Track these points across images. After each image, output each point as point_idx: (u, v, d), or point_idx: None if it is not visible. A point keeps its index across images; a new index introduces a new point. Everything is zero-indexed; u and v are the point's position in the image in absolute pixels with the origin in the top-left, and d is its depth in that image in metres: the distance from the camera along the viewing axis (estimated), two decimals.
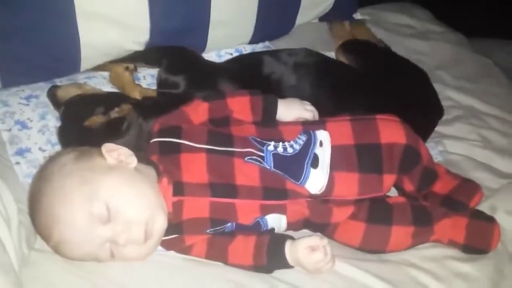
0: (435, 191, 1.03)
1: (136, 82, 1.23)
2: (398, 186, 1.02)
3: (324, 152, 0.96)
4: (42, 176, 0.88)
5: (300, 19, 1.51)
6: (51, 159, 0.91)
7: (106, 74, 1.24)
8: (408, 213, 0.96)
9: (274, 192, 0.92)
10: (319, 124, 1.01)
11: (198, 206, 0.90)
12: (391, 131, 0.98)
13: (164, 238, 0.90)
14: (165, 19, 1.23)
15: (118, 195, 0.85)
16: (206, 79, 1.18)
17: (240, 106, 1.01)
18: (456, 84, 1.47)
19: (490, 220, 0.99)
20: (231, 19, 1.34)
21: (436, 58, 1.55)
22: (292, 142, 0.97)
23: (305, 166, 0.94)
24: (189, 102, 1.01)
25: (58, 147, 1.06)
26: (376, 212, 0.95)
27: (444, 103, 1.34)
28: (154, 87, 1.23)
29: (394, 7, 1.78)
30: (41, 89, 1.17)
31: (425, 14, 1.78)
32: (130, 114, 1.04)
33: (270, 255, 0.90)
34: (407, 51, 1.49)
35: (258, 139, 0.96)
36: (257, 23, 1.38)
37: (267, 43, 1.44)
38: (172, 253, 0.92)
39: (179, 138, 0.94)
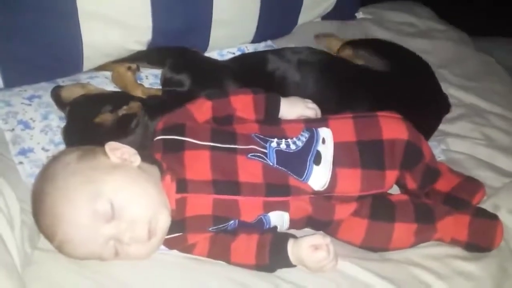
0: (438, 189, 1.03)
1: (139, 81, 1.23)
2: (400, 183, 1.01)
3: (326, 149, 0.96)
4: (46, 176, 0.88)
5: (302, 18, 1.51)
6: (55, 159, 0.91)
7: (108, 74, 1.24)
8: (410, 210, 0.96)
9: (277, 189, 0.92)
10: (322, 121, 1.01)
11: (201, 203, 0.90)
12: (392, 128, 0.98)
13: (167, 236, 0.90)
14: (167, 19, 1.23)
15: (122, 193, 0.85)
16: (211, 77, 1.18)
17: (243, 104, 1.01)
18: (458, 82, 1.47)
19: (493, 217, 0.99)
20: (233, 18, 1.34)
21: (438, 56, 1.54)
22: (295, 139, 0.97)
23: (308, 163, 0.94)
24: (194, 100, 1.02)
25: (61, 147, 1.06)
26: (379, 209, 0.95)
27: None
28: (157, 86, 1.23)
29: (396, 6, 1.78)
30: (43, 89, 1.17)
31: (427, 12, 1.77)
32: (139, 112, 1.04)
33: (273, 254, 0.90)
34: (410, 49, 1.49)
35: (261, 136, 0.96)
36: (259, 22, 1.38)
37: (269, 42, 1.44)
38: (175, 252, 0.93)
39: (183, 136, 0.94)
